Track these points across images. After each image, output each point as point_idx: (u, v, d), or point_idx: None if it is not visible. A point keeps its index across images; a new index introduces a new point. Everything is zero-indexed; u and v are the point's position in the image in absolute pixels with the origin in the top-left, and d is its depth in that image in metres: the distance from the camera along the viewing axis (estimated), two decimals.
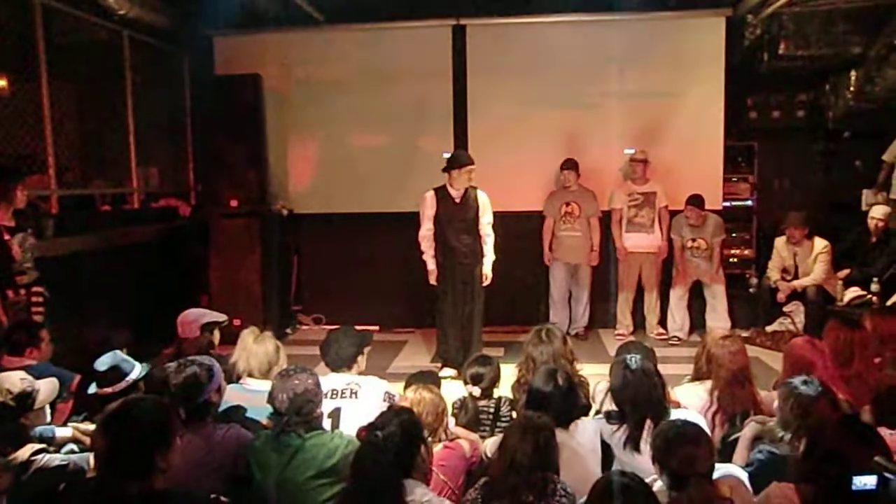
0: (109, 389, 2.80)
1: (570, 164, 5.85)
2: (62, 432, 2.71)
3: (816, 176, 6.60)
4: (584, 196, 5.89)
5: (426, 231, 4.91)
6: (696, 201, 5.66)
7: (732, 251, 6.47)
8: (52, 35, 4.82)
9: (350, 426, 2.75)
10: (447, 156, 6.28)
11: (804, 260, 5.52)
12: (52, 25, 4.85)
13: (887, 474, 1.87)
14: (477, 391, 3.16)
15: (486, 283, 4.95)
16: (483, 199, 4.93)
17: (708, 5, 6.01)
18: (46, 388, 2.70)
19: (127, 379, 2.84)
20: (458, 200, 4.85)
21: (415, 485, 2.11)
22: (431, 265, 4.93)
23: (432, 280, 4.96)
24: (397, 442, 2.12)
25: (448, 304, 4.93)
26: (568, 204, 5.87)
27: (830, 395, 2.53)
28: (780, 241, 5.69)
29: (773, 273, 5.68)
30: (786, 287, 5.53)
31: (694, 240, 5.76)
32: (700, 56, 6.06)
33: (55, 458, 2.39)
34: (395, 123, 6.28)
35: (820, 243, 5.49)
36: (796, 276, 5.56)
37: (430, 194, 4.88)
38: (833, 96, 6.25)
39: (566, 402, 2.63)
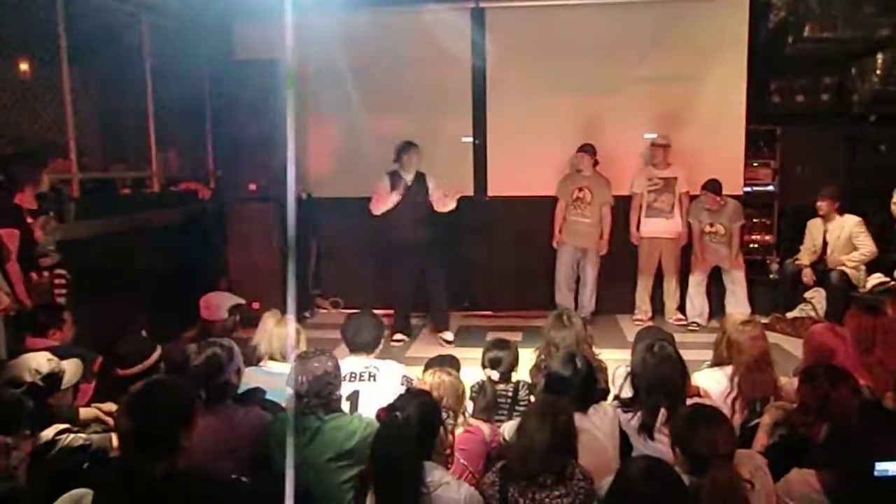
0: (130, 371, 2.85)
1: (587, 148, 5.78)
2: (85, 412, 2.76)
3: (840, 161, 6.47)
4: (599, 183, 5.82)
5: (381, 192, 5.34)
6: (713, 186, 5.58)
7: (753, 237, 6.40)
8: (72, 20, 4.85)
9: (368, 409, 2.77)
10: (466, 140, 6.28)
11: (834, 236, 5.47)
12: (73, 10, 4.87)
13: None
14: (495, 375, 3.15)
15: (458, 194, 5.34)
16: (432, 181, 5.44)
17: None
18: (71, 368, 2.75)
19: (147, 360, 2.89)
20: (409, 183, 5.35)
21: (433, 467, 2.12)
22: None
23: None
24: (416, 424, 2.13)
25: (401, 280, 5.50)
26: (581, 189, 5.81)
27: (852, 381, 2.50)
28: (812, 222, 5.66)
29: (804, 257, 5.63)
30: (809, 274, 5.51)
31: (712, 224, 5.69)
32: (722, 39, 5.95)
33: (79, 438, 2.44)
34: (414, 107, 6.24)
35: (852, 219, 5.45)
36: (823, 258, 5.50)
37: (385, 177, 5.38)
38: (859, 80, 6.11)
39: (585, 386, 2.62)
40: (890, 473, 1.87)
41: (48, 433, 2.38)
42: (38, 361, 2.60)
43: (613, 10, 6.04)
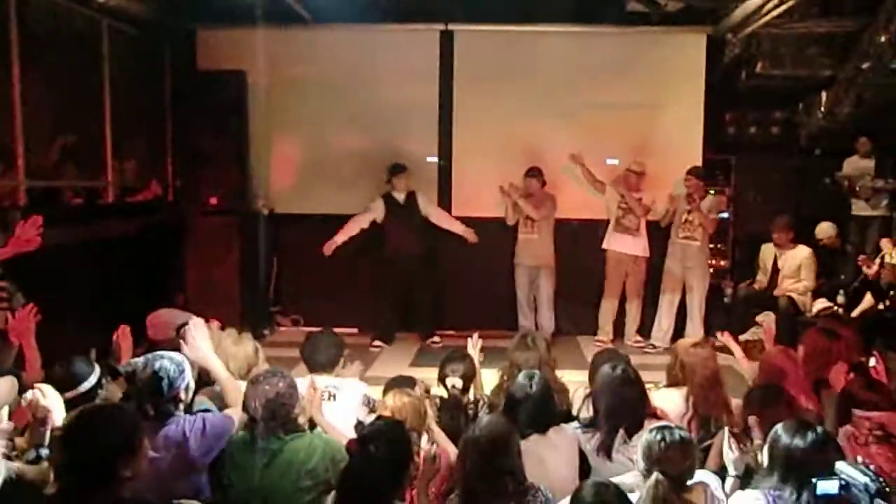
0: (64, 397, 2.64)
1: (534, 173, 5.89)
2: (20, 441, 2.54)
3: (790, 190, 6.74)
4: (545, 200, 5.93)
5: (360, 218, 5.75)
6: (697, 171, 5.74)
7: (708, 262, 6.56)
8: (25, 20, 4.69)
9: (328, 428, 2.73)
10: (431, 160, 6.31)
11: (786, 264, 5.68)
12: (27, 10, 4.71)
13: (845, 479, 1.95)
14: (458, 382, 3.10)
15: (474, 238, 5.88)
16: (422, 198, 5.83)
17: (690, 23, 6.11)
18: (4, 387, 2.52)
19: (81, 386, 2.62)
20: (402, 202, 5.74)
21: None
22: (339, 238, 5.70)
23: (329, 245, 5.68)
24: (389, 456, 2.08)
25: (388, 293, 5.87)
26: None
27: (788, 401, 2.63)
28: (765, 247, 5.87)
29: (760, 277, 5.86)
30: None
31: (690, 212, 5.76)
32: (681, 71, 6.17)
33: (12, 468, 2.24)
34: (380, 126, 6.24)
35: (804, 251, 5.66)
36: (773, 282, 5.70)
37: (378, 199, 5.79)
38: (805, 115, 6.42)
39: (541, 407, 2.65)
40: (831, 493, 1.94)
41: None
42: None
43: (580, 38, 6.20)
